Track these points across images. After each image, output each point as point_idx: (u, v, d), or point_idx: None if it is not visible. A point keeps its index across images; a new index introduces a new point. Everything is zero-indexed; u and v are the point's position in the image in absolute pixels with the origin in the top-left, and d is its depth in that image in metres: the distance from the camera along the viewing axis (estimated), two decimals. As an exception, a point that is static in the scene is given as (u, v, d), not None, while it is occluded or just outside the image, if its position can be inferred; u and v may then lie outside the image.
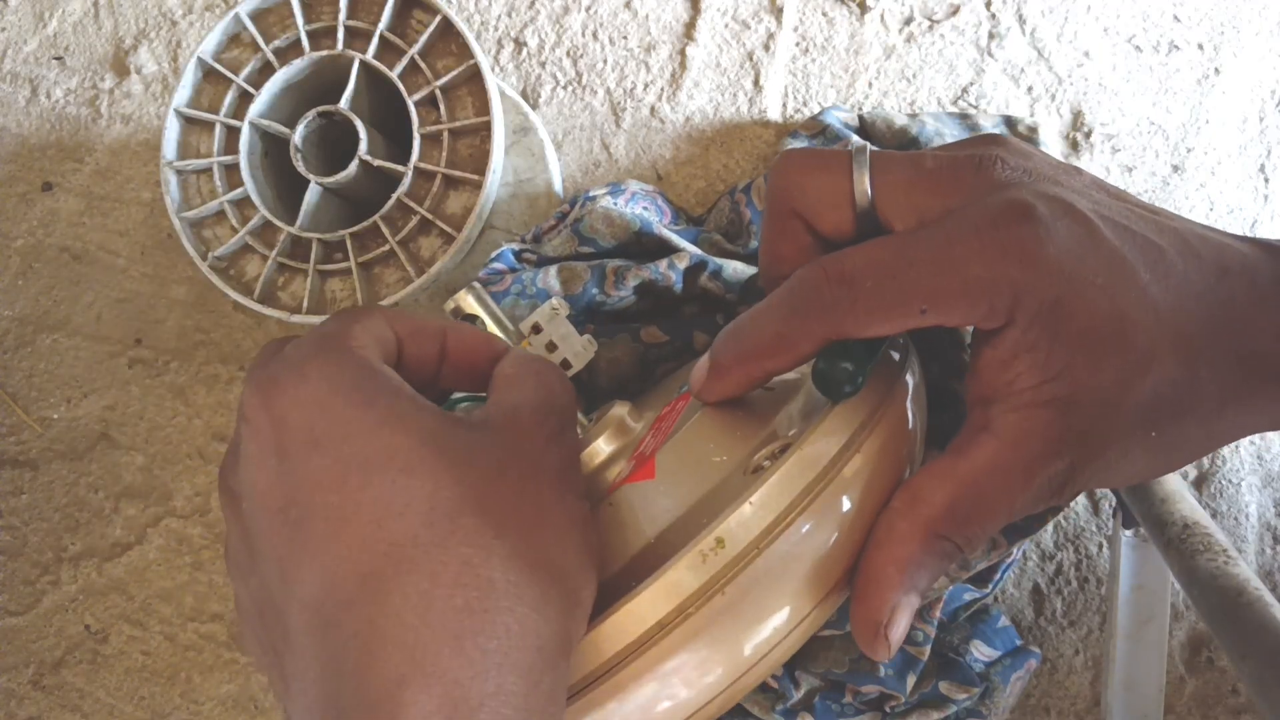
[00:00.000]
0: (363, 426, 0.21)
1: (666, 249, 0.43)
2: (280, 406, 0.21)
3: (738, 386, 0.27)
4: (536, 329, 0.33)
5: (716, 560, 0.22)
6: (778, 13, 0.53)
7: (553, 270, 0.42)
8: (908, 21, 0.52)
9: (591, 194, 0.46)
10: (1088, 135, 0.51)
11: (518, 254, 0.45)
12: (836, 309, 0.24)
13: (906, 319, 0.24)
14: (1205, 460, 0.50)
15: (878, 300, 0.24)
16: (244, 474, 0.22)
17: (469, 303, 0.31)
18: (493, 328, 0.31)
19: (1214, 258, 0.24)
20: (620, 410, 0.30)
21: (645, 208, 0.46)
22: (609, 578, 0.25)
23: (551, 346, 0.33)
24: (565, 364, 0.33)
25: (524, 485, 0.22)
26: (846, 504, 0.23)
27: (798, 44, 0.53)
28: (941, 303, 0.23)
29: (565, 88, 0.54)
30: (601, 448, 0.29)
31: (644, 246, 0.44)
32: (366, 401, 0.21)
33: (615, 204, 0.45)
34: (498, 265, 0.44)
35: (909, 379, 0.27)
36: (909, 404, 0.26)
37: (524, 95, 0.54)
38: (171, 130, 0.46)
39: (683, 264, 0.41)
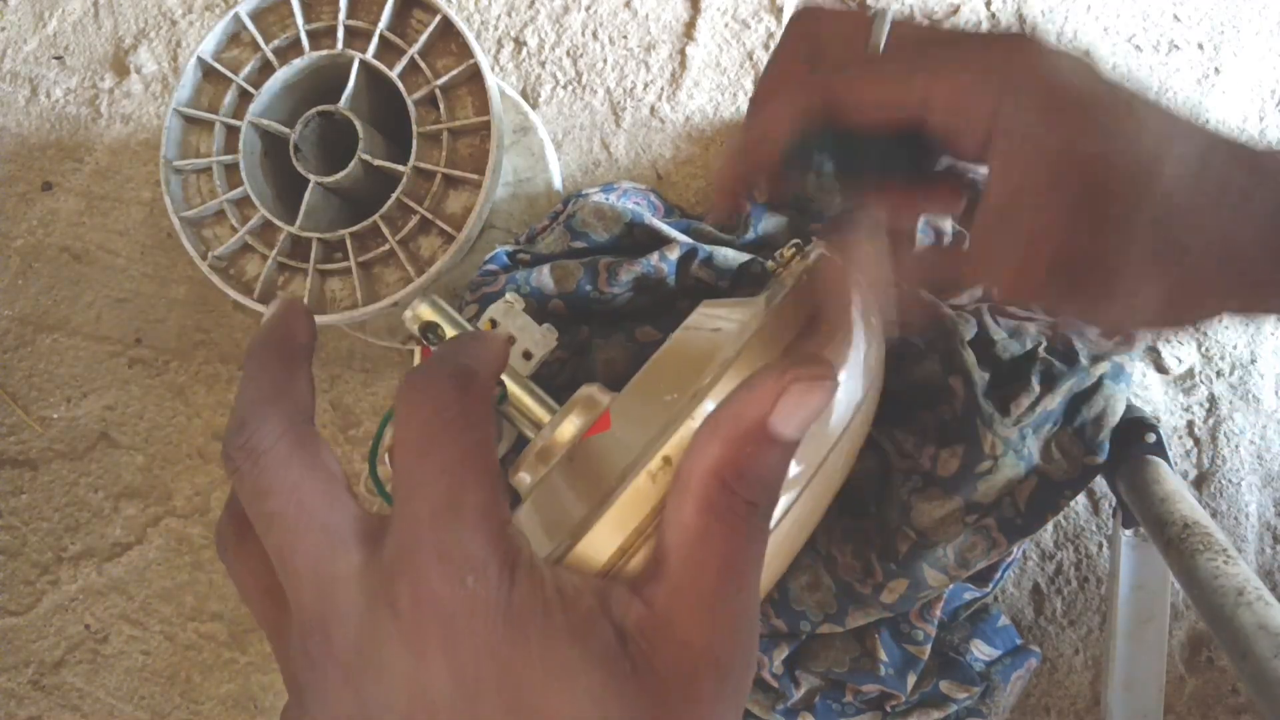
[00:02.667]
0: (523, 683, 0.17)
1: (658, 240, 0.43)
2: (456, 655, 0.17)
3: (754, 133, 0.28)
4: (493, 324, 0.33)
5: (665, 477, 0.22)
6: (777, 12, 0.53)
7: (545, 268, 0.42)
8: (908, 21, 0.52)
9: (584, 193, 0.46)
10: (1088, 135, 0.51)
11: (511, 254, 0.45)
12: (841, 72, 0.26)
13: (900, 91, 0.26)
14: (1205, 460, 0.50)
15: (880, 68, 0.26)
16: (391, 684, 0.18)
17: (425, 310, 0.32)
18: (451, 331, 0.31)
19: (1214, 130, 0.26)
20: (589, 389, 0.30)
21: (637, 203, 0.47)
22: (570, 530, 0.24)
23: (511, 340, 0.33)
24: (527, 354, 0.34)
25: None
26: None
27: (797, 44, 0.53)
28: (936, 81, 0.25)
29: (565, 87, 0.54)
30: (573, 422, 0.29)
31: (636, 239, 0.44)
32: (539, 657, 0.18)
33: (607, 199, 0.45)
34: (491, 266, 0.44)
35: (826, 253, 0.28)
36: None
37: (524, 95, 0.54)
38: (172, 130, 0.46)
39: (674, 254, 0.42)
